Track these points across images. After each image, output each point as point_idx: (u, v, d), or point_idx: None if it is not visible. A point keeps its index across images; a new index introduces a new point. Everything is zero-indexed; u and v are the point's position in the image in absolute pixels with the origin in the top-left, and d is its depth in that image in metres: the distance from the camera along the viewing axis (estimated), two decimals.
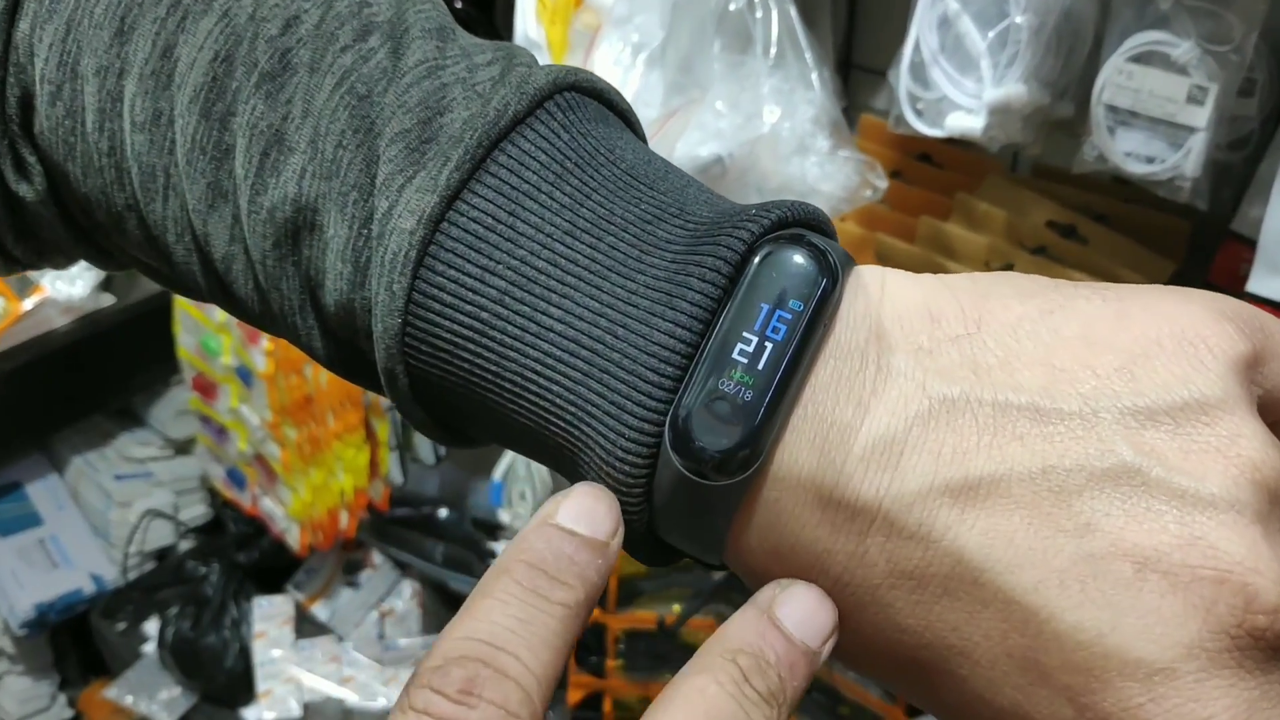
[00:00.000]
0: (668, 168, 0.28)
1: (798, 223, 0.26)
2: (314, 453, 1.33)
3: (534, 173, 0.26)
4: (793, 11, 0.77)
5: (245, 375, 1.30)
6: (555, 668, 0.22)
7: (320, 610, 1.55)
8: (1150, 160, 0.71)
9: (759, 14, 0.75)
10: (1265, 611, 0.21)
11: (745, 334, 0.24)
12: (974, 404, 0.23)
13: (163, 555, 1.64)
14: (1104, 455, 0.22)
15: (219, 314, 1.29)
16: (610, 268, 0.25)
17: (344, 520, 1.41)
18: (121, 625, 1.57)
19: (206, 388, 1.38)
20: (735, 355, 0.24)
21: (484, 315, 0.25)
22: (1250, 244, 0.73)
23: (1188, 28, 0.68)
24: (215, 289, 0.30)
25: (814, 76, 0.77)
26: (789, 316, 0.24)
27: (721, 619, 1.16)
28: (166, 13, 0.28)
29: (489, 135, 0.26)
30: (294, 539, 1.40)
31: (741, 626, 0.24)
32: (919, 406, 0.23)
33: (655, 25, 0.74)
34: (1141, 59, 0.69)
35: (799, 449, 0.24)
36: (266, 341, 1.23)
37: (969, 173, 0.94)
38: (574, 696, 1.23)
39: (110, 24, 0.29)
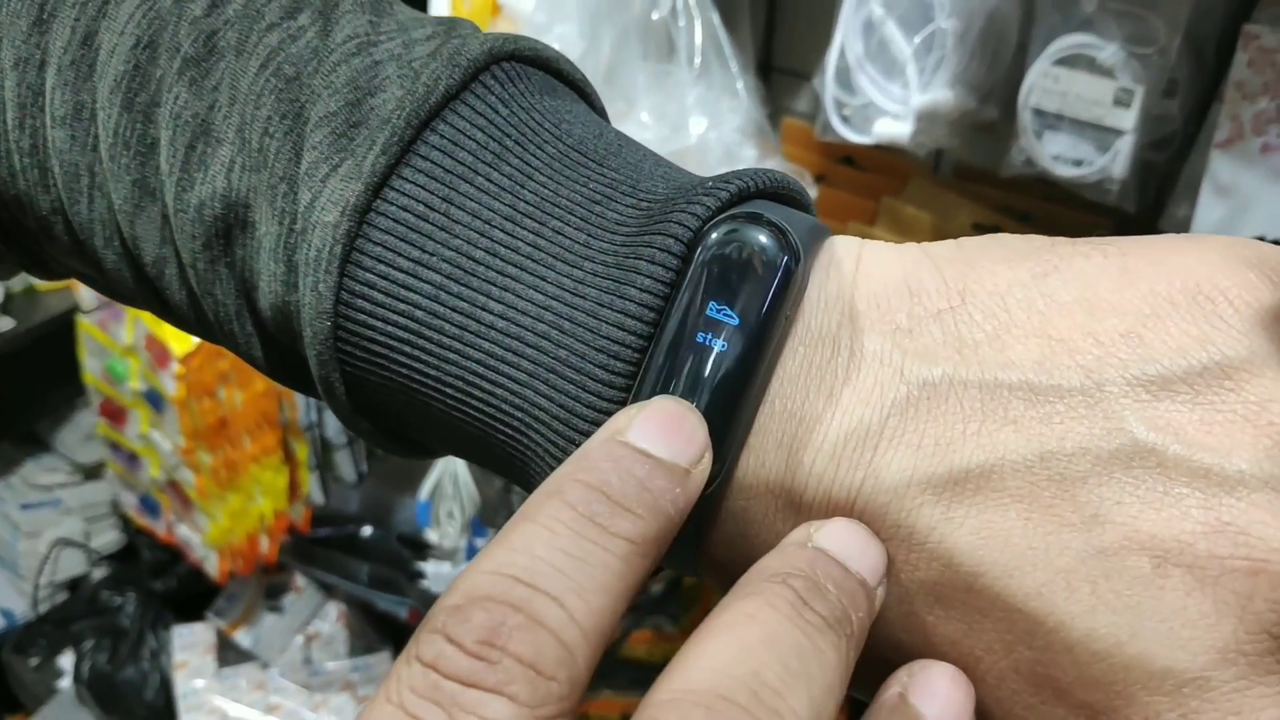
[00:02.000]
0: (621, 141, 0.25)
1: (762, 193, 0.23)
2: (230, 477, 1.29)
3: (469, 153, 0.23)
4: (716, 19, 0.76)
5: (155, 400, 1.25)
6: (608, 619, 0.18)
7: (243, 637, 1.50)
8: (1078, 163, 0.71)
9: (682, 22, 0.73)
10: None
11: (699, 330, 0.21)
12: (959, 386, 0.20)
13: (75, 585, 1.58)
14: (1111, 434, 0.19)
15: (125, 337, 1.24)
16: (556, 255, 0.23)
17: (264, 545, 1.37)
18: (34, 660, 1.51)
19: (115, 413, 1.33)
20: (688, 351, 0.21)
21: (419, 314, 0.23)
22: None
23: (1112, 31, 0.67)
24: (149, 296, 0.27)
25: (739, 85, 0.75)
26: (748, 308, 0.21)
27: (661, 633, 1.15)
28: None
29: (418, 114, 0.23)
30: (213, 567, 1.36)
31: (784, 555, 0.20)
32: (896, 393, 0.20)
33: (575, 35, 0.72)
34: (1067, 62, 0.69)
35: (766, 451, 0.21)
36: (177, 365, 1.18)
37: (892, 175, 0.94)
38: None
39: (28, 12, 0.26)
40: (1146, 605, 0.18)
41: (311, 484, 1.35)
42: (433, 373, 0.23)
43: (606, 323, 0.22)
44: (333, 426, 1.32)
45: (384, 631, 1.54)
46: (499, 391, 0.23)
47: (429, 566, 1.36)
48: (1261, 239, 0.68)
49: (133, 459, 1.36)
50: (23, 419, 1.58)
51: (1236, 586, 0.18)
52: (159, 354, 1.20)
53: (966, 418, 0.20)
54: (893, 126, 0.74)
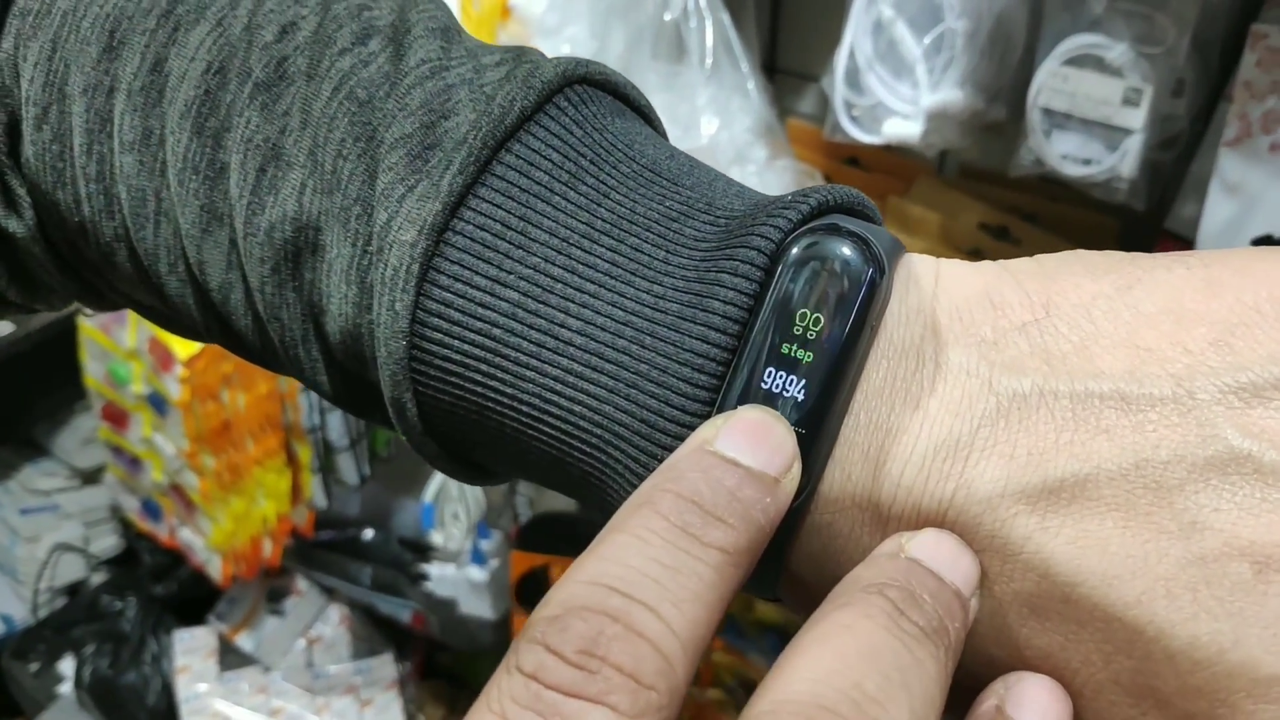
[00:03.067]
0: (693, 163, 0.25)
1: (838, 208, 0.23)
2: (234, 480, 1.28)
3: (545, 172, 0.24)
4: (726, 20, 0.76)
5: (158, 403, 1.25)
6: (704, 630, 0.18)
7: (245, 641, 1.50)
8: (1087, 162, 0.72)
9: (693, 23, 0.74)
10: None
11: (784, 343, 0.21)
12: (1049, 397, 0.20)
13: (74, 590, 1.58)
14: (1206, 442, 0.19)
15: (128, 340, 1.24)
16: (634, 271, 0.23)
17: (267, 548, 1.36)
18: (35, 666, 1.50)
19: (117, 417, 1.33)
20: (773, 368, 0.21)
21: (496, 331, 0.23)
22: (1186, 242, 0.73)
23: (1121, 31, 0.68)
24: (212, 323, 0.27)
25: (749, 85, 0.76)
26: (832, 319, 0.21)
27: None
28: (157, 24, 0.26)
29: (494, 135, 0.23)
30: (216, 570, 1.35)
31: (877, 565, 0.20)
32: (985, 405, 0.20)
33: (587, 35, 0.73)
34: (1076, 62, 0.70)
35: (852, 464, 0.21)
36: (180, 368, 1.18)
37: (898, 176, 0.94)
38: None
39: (98, 39, 0.26)
40: (1249, 611, 0.18)
41: (314, 487, 1.35)
42: (509, 390, 0.23)
43: (690, 335, 0.22)
44: (335, 429, 1.32)
45: (386, 635, 1.54)
46: (577, 409, 0.23)
47: (433, 569, 1.36)
48: (1269, 238, 0.68)
49: (135, 463, 1.36)
50: (21, 424, 1.58)
51: None
52: (162, 357, 1.19)
53: (1059, 428, 0.20)
54: (902, 126, 0.75)
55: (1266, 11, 0.67)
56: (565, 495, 0.27)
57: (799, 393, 0.21)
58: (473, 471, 0.27)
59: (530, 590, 1.15)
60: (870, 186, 0.94)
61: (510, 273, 0.23)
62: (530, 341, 0.23)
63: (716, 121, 0.73)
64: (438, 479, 1.21)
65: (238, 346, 0.28)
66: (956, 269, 0.23)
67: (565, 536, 1.16)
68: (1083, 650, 0.19)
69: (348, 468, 1.39)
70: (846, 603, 0.19)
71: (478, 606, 1.33)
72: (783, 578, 0.22)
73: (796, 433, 0.21)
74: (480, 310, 0.23)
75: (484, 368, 0.23)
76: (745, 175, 0.75)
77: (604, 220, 0.23)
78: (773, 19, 0.97)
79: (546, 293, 0.23)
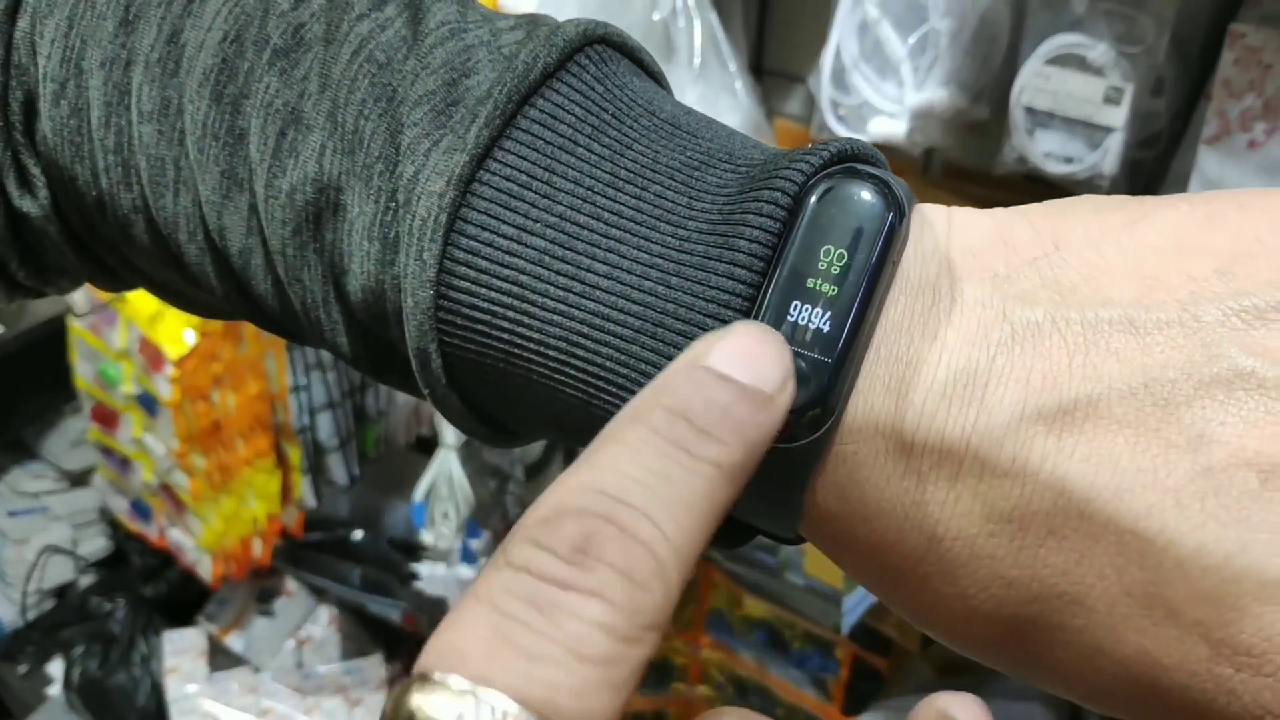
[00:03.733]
0: (709, 120, 0.26)
1: (855, 158, 0.24)
2: (224, 480, 1.29)
3: (569, 125, 0.24)
4: (714, 20, 0.77)
5: (148, 403, 1.25)
6: (697, 538, 0.18)
7: (234, 641, 1.50)
8: (1069, 160, 0.73)
9: (681, 23, 0.75)
10: None
11: (808, 277, 0.22)
12: (1061, 324, 0.21)
13: (63, 592, 1.58)
14: (1212, 360, 0.20)
15: (118, 340, 1.24)
16: (659, 217, 0.23)
17: (257, 548, 1.37)
18: (23, 668, 1.50)
19: (106, 418, 1.33)
20: (799, 301, 0.22)
21: (523, 279, 0.23)
22: None
23: (1102, 30, 0.69)
24: (231, 290, 0.28)
25: (737, 84, 0.76)
26: (855, 254, 0.22)
27: None
28: None
29: (519, 90, 0.24)
30: (206, 570, 1.36)
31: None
32: (1001, 334, 0.21)
33: None
34: (1058, 61, 0.71)
35: (874, 394, 0.22)
36: (170, 368, 1.19)
37: None
38: None
39: (114, 14, 0.27)
40: (1255, 518, 0.19)
41: (304, 487, 1.35)
42: (536, 336, 0.24)
43: (715, 274, 0.22)
44: (325, 430, 1.32)
45: (376, 635, 1.54)
46: (604, 350, 0.23)
47: (424, 568, 1.36)
48: None
49: (125, 463, 1.36)
50: (10, 426, 1.58)
51: None
52: (152, 357, 1.20)
53: (1071, 352, 0.21)
54: (888, 125, 0.76)
55: (1244, 11, 0.68)
56: (581, 445, 0.27)
57: (824, 324, 0.21)
58: (492, 429, 0.27)
59: None
60: None
61: (537, 221, 0.23)
62: (557, 287, 0.23)
63: None
64: (428, 478, 1.22)
65: (256, 313, 0.29)
66: (968, 214, 0.23)
67: None
68: (1097, 565, 0.20)
69: (337, 468, 1.39)
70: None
71: None
72: (806, 513, 0.23)
73: (821, 361, 0.21)
74: (507, 258, 0.23)
75: (511, 314, 0.24)
76: None
77: (627, 169, 0.24)
78: (760, 20, 0.98)
79: (572, 239, 0.23)
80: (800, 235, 0.22)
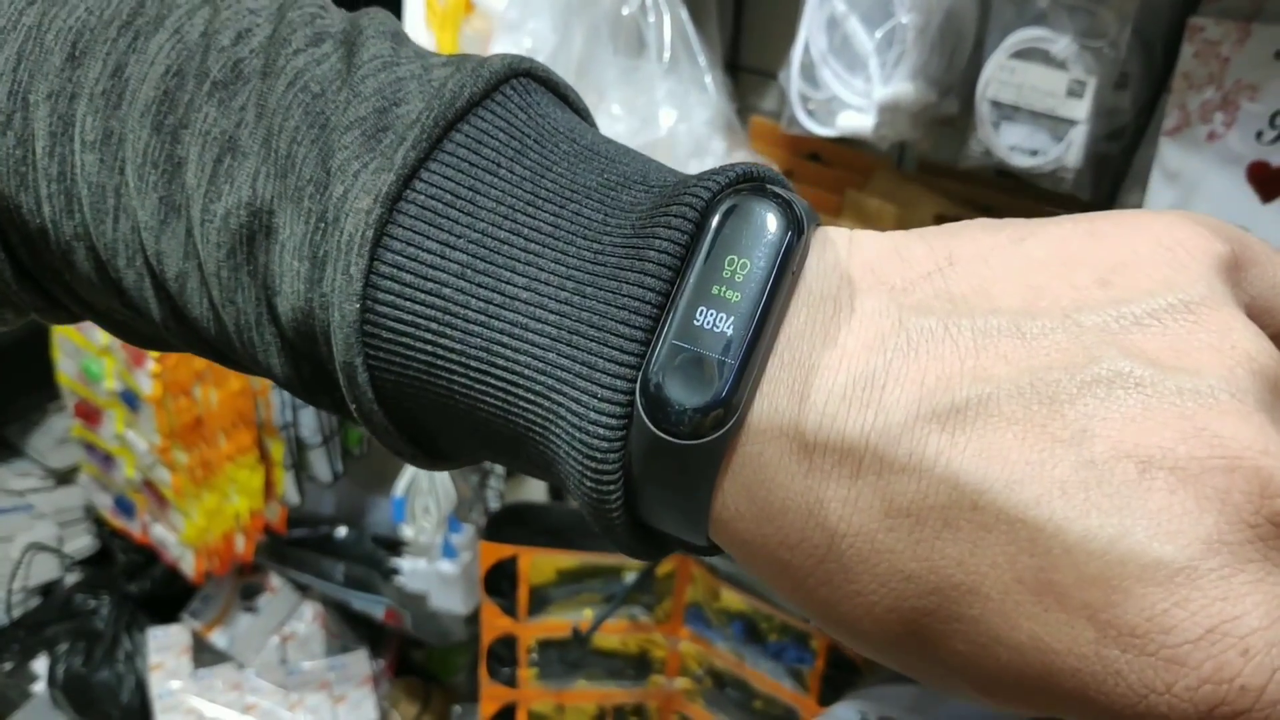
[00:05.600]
0: (628, 149, 0.27)
1: (761, 179, 0.25)
2: (206, 476, 1.29)
3: (492, 149, 0.26)
4: (684, 15, 0.78)
5: (130, 399, 1.25)
6: None
7: (218, 638, 1.51)
8: (1034, 153, 0.74)
9: (651, 18, 0.75)
10: None
11: (713, 284, 0.23)
12: (954, 331, 0.22)
13: (48, 590, 1.58)
14: (1093, 362, 0.21)
15: (101, 337, 1.25)
16: (575, 233, 0.25)
17: (240, 544, 1.37)
18: (8, 665, 1.51)
19: (90, 414, 1.33)
20: (704, 307, 0.23)
21: (446, 291, 0.25)
22: None
23: (1065, 24, 0.70)
24: (168, 316, 0.29)
25: (707, 79, 0.77)
26: (756, 263, 0.23)
27: (635, 622, 1.16)
28: (118, 34, 0.28)
29: (445, 115, 0.25)
30: (189, 566, 1.36)
31: None
32: (898, 340, 0.23)
33: (548, 30, 0.74)
34: (1023, 55, 0.72)
35: (778, 398, 0.23)
36: (152, 364, 1.19)
37: (857, 170, 0.96)
38: (488, 709, 1.22)
39: (61, 49, 0.28)
40: (1135, 505, 0.20)
41: (287, 483, 1.36)
42: (458, 347, 0.25)
43: (627, 283, 0.24)
44: (308, 426, 1.32)
45: (360, 631, 1.55)
46: (522, 359, 0.24)
47: (405, 563, 1.37)
48: None
49: (108, 460, 1.37)
50: None
51: (1215, 482, 0.20)
52: (135, 354, 1.20)
53: (963, 356, 0.22)
54: (856, 119, 0.77)
55: (1204, 5, 0.69)
56: (506, 464, 0.28)
57: (728, 328, 0.23)
58: (418, 448, 0.28)
59: (499, 581, 1.16)
60: (830, 180, 0.96)
61: (460, 237, 0.25)
62: (478, 299, 0.24)
63: (675, 114, 0.75)
64: (409, 473, 1.22)
65: (194, 340, 0.30)
66: (868, 234, 0.25)
67: (534, 526, 1.17)
68: (990, 554, 0.21)
69: (320, 465, 1.40)
70: None
71: (450, 600, 1.34)
72: (716, 515, 0.24)
73: (725, 362, 0.23)
74: (431, 272, 0.25)
75: (434, 326, 0.25)
76: (704, 167, 0.76)
77: (547, 189, 0.25)
78: (735, 18, 0.99)
79: (493, 254, 0.24)
80: (706, 246, 0.24)
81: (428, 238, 0.25)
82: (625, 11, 0.75)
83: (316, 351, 0.27)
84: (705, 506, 0.24)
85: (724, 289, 0.23)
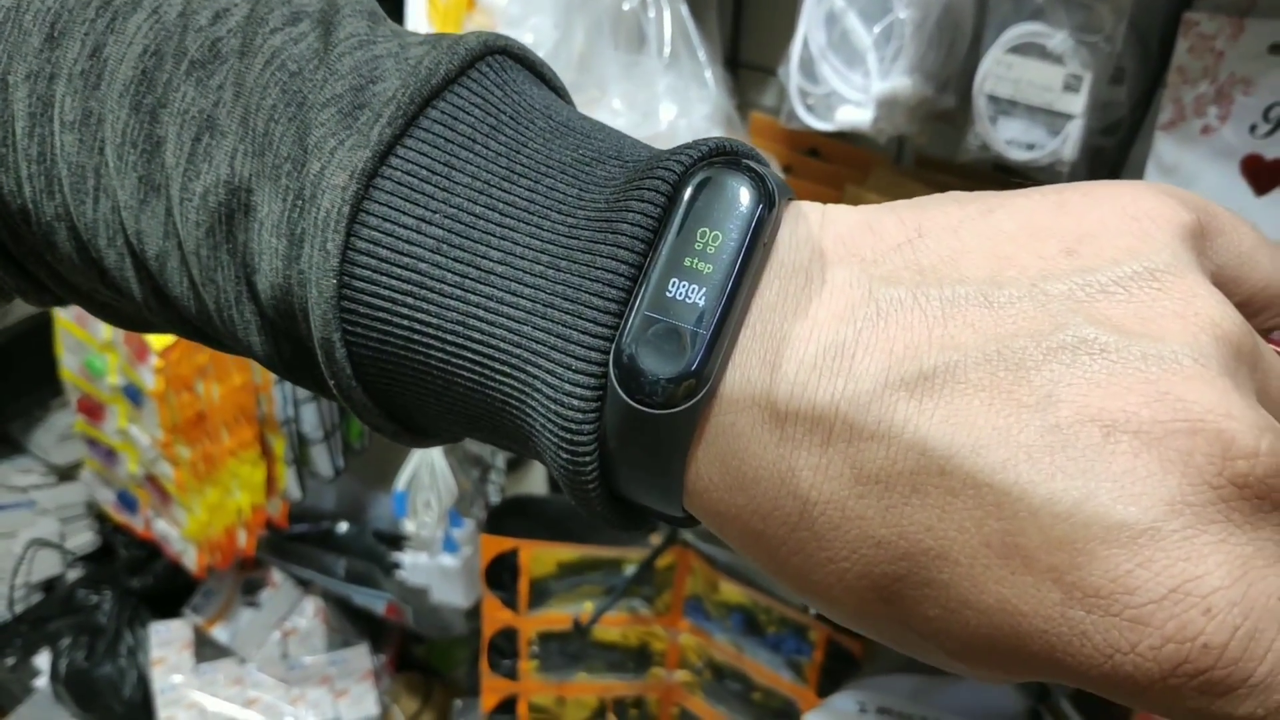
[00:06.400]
0: (603, 125, 0.28)
1: (734, 153, 0.25)
2: (209, 471, 1.30)
3: (468, 125, 0.26)
4: (684, 11, 0.79)
5: (133, 394, 1.26)
6: None
7: (220, 632, 1.51)
8: (1031, 147, 0.74)
9: (651, 14, 0.76)
10: (1244, 456, 0.20)
11: (686, 256, 0.23)
12: (922, 301, 0.23)
13: (50, 586, 1.58)
14: (1059, 329, 0.22)
15: (104, 332, 1.25)
16: (550, 207, 0.25)
17: (242, 539, 1.38)
18: (10, 660, 1.51)
19: (93, 409, 1.34)
20: (676, 278, 0.23)
21: (422, 266, 0.25)
22: None
23: (1061, 19, 0.71)
24: (149, 295, 0.29)
25: (707, 74, 0.78)
26: (728, 237, 0.23)
27: (635, 615, 1.17)
28: (95, 14, 0.28)
29: (421, 93, 0.25)
30: (191, 560, 1.37)
31: None
32: (867, 311, 0.23)
33: (549, 26, 0.75)
34: (1020, 50, 0.72)
35: (750, 368, 0.23)
36: (155, 359, 1.20)
37: (856, 165, 0.97)
38: (489, 701, 1.22)
39: (39, 30, 0.28)
40: (1099, 468, 0.21)
41: (288, 479, 1.37)
42: (434, 321, 0.25)
43: (600, 256, 0.24)
44: (309, 422, 1.33)
45: (361, 626, 1.56)
46: (498, 332, 0.24)
47: (406, 557, 1.37)
48: None
49: (110, 455, 1.37)
50: None
51: (1178, 445, 0.20)
52: (138, 348, 1.21)
53: (931, 325, 0.22)
54: (854, 113, 0.77)
55: (1198, 0, 0.70)
56: (484, 439, 0.28)
57: (700, 299, 0.23)
58: (397, 424, 0.29)
59: (500, 574, 1.17)
60: (830, 175, 0.97)
61: (435, 213, 0.25)
62: (454, 273, 0.25)
63: (675, 109, 0.76)
64: (410, 468, 1.23)
65: (175, 319, 0.30)
66: (841, 208, 0.25)
67: (535, 519, 1.18)
68: (958, 518, 0.21)
69: (322, 460, 1.40)
70: None
71: (451, 594, 1.35)
72: (690, 486, 0.24)
73: (697, 333, 0.23)
74: (407, 247, 0.25)
75: (410, 300, 0.25)
76: None
77: (522, 165, 0.25)
78: (735, 15, 0.99)
79: (469, 229, 0.25)
80: (679, 219, 0.24)
81: (403, 213, 0.25)
82: (626, 7, 0.76)
83: (296, 329, 0.27)
84: (679, 477, 0.24)
85: (696, 261, 0.23)
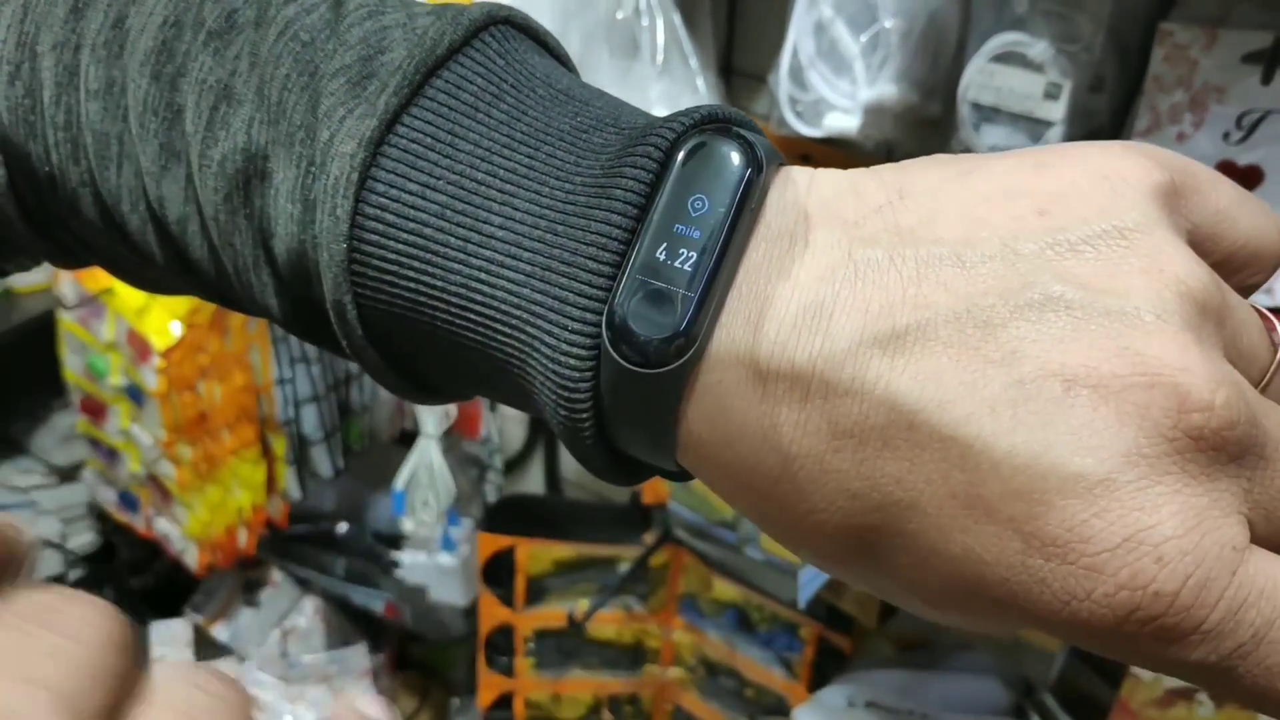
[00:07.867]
0: (602, 92, 0.28)
1: (726, 120, 0.26)
2: (210, 470, 1.32)
3: (471, 94, 0.27)
4: (677, 19, 0.81)
5: (135, 394, 1.28)
6: None
7: (220, 631, 1.53)
8: None
9: (645, 21, 0.78)
10: (1199, 409, 0.21)
11: (676, 221, 0.24)
12: (898, 261, 0.23)
13: None
14: (1027, 287, 0.22)
15: (107, 333, 1.27)
16: (548, 174, 0.26)
17: (243, 538, 1.39)
18: None
19: (95, 409, 1.36)
20: (667, 243, 0.24)
21: (426, 230, 0.26)
22: None
23: (1042, 29, 0.73)
24: (171, 258, 0.31)
25: (699, 81, 0.80)
26: (717, 202, 0.24)
27: (630, 612, 1.19)
28: None
29: (426, 63, 0.27)
30: (192, 559, 1.38)
31: None
32: (846, 271, 0.24)
33: None
34: (1002, 59, 0.75)
35: (735, 328, 0.24)
36: (157, 359, 1.22)
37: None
38: (485, 698, 1.24)
39: (65, 2, 0.30)
40: (1058, 420, 0.21)
41: (288, 479, 1.38)
42: (439, 284, 0.26)
43: (595, 220, 0.25)
44: (309, 423, 1.35)
45: (360, 625, 1.57)
46: (499, 294, 0.25)
47: (404, 556, 1.39)
48: None
49: (112, 454, 1.39)
50: None
51: (1136, 398, 0.21)
52: (140, 349, 1.23)
53: (905, 285, 0.23)
54: (842, 120, 0.80)
55: (1175, 11, 0.72)
56: (489, 395, 0.30)
57: (688, 264, 0.24)
58: (408, 381, 0.30)
59: (497, 572, 1.19)
60: None
61: (439, 179, 0.26)
62: (456, 238, 0.26)
63: None
64: (408, 467, 1.25)
65: (196, 283, 0.31)
66: (828, 172, 0.26)
67: (532, 518, 1.20)
68: (925, 470, 0.22)
69: (322, 461, 1.42)
70: None
71: (449, 593, 1.37)
72: (682, 441, 0.25)
73: (687, 295, 0.24)
74: (412, 212, 0.26)
75: (417, 264, 0.26)
76: None
77: (522, 133, 0.26)
78: (729, 23, 1.02)
79: (471, 194, 0.26)
80: (670, 184, 0.25)
81: (409, 180, 0.26)
82: (620, 15, 0.78)
83: (311, 291, 0.28)
84: (671, 432, 0.25)
85: (686, 225, 0.24)
